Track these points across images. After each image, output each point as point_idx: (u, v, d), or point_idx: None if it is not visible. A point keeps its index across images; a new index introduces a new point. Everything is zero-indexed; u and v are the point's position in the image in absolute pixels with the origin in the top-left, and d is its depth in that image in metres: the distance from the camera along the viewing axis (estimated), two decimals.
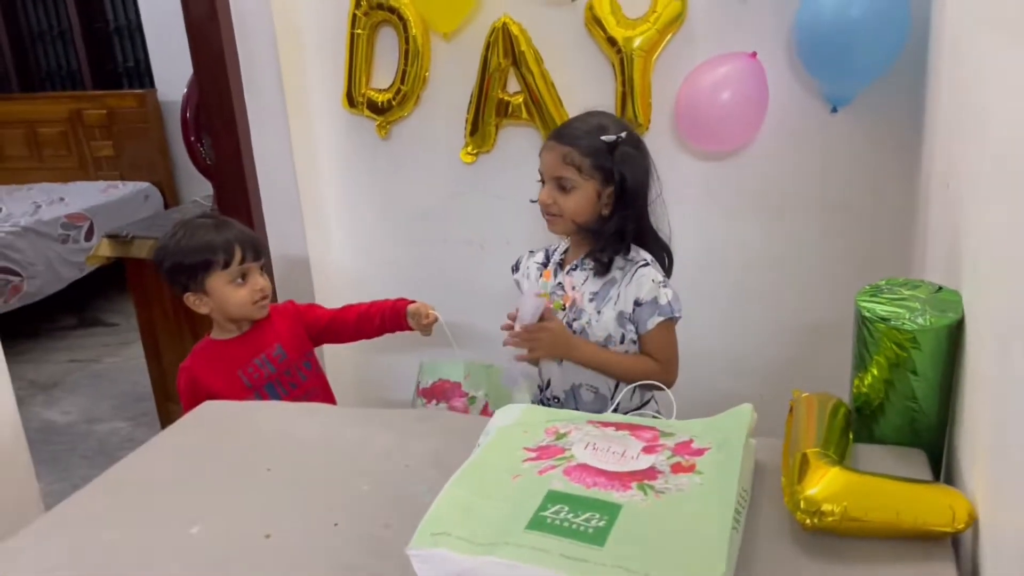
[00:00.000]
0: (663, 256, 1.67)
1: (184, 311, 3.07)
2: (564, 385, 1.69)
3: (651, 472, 1.01)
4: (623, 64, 2.00)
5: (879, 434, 1.14)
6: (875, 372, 1.11)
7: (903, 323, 1.06)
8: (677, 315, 1.60)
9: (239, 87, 2.33)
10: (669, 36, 1.99)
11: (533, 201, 1.66)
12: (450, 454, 1.17)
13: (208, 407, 1.47)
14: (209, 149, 2.55)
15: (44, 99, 5.01)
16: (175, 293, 1.80)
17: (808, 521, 0.93)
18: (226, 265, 1.74)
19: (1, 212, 4.28)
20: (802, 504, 0.94)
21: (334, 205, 2.46)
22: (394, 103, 2.26)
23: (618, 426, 1.14)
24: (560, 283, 1.68)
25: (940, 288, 1.13)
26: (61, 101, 4.91)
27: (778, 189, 2.06)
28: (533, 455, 1.06)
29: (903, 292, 1.13)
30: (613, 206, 1.60)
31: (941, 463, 1.14)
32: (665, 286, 1.60)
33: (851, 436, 1.12)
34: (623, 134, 1.58)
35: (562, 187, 1.59)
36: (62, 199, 4.50)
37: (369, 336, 1.99)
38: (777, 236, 2.09)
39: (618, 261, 1.62)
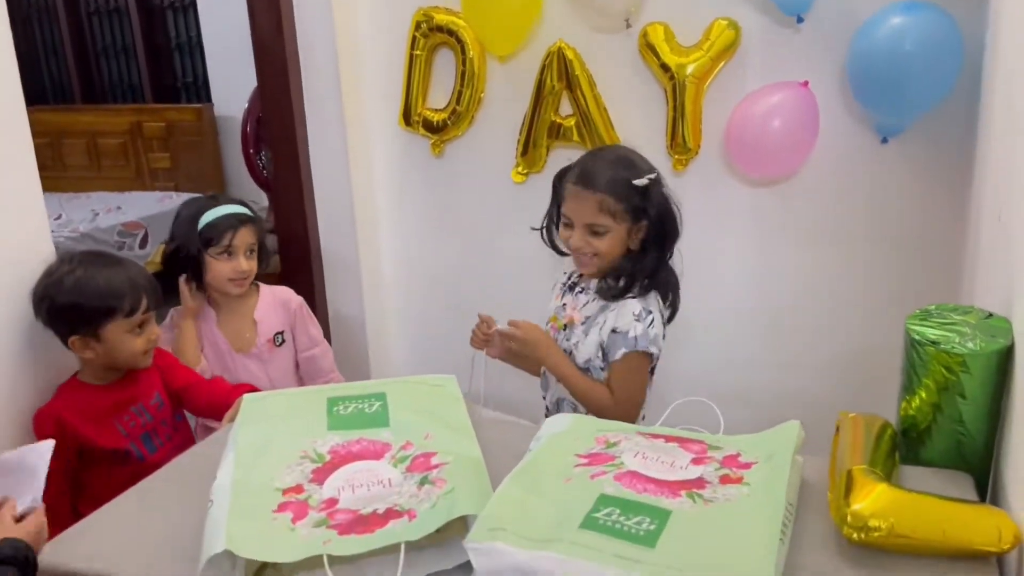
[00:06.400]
0: (667, 292, 1.62)
1: None
2: (552, 397, 1.73)
3: (700, 482, 1.04)
4: (675, 90, 2.04)
5: (925, 457, 1.15)
6: (923, 395, 1.12)
7: (953, 347, 1.08)
8: (643, 349, 1.55)
9: (300, 102, 2.42)
10: (722, 64, 2.03)
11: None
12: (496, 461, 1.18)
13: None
14: (268, 161, 2.64)
15: (106, 111, 5.16)
16: (57, 333, 1.56)
17: (855, 536, 0.95)
18: (130, 313, 1.55)
19: (61, 219, 4.43)
20: (849, 519, 0.96)
21: (386, 218, 2.52)
22: (449, 123, 2.32)
23: (667, 438, 1.17)
24: (564, 303, 1.71)
25: (990, 315, 1.15)
26: (122, 113, 5.07)
27: (826, 217, 2.08)
28: (584, 461, 1.10)
29: (953, 317, 1.15)
30: (642, 244, 1.59)
31: (987, 487, 1.15)
32: (644, 320, 1.55)
33: (897, 457, 1.14)
34: (653, 175, 1.57)
35: (595, 232, 1.57)
36: (119, 208, 4.63)
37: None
38: (823, 263, 2.11)
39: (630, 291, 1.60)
